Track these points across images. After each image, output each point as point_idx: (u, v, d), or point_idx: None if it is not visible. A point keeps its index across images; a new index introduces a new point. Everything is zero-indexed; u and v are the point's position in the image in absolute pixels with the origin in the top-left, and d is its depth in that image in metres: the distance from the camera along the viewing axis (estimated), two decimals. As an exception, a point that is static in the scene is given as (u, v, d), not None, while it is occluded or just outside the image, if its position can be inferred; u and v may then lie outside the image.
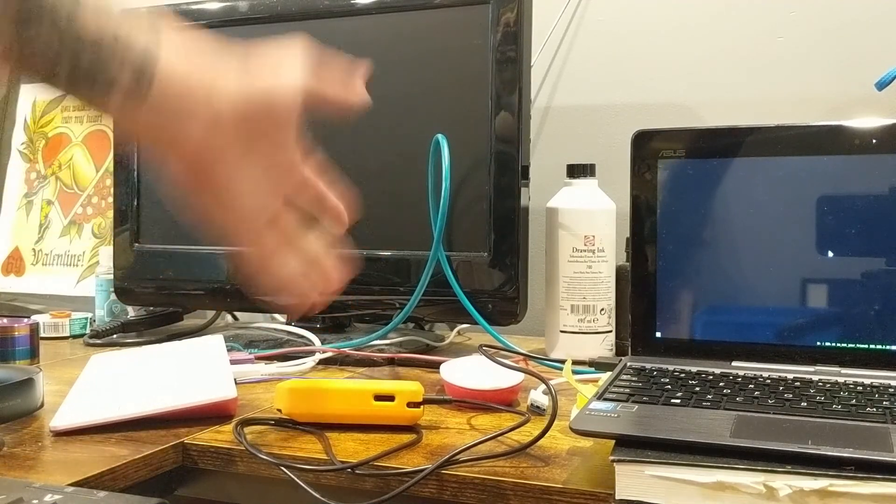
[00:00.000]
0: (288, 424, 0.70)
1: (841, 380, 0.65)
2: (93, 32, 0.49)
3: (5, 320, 1.00)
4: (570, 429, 0.55)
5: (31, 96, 1.49)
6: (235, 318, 1.27)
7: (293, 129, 0.56)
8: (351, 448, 0.65)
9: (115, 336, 1.13)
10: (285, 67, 0.56)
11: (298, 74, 0.56)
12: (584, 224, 0.96)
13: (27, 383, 0.73)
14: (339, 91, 0.58)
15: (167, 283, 1.12)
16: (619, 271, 0.98)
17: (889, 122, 0.69)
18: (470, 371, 0.77)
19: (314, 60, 0.57)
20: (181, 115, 0.52)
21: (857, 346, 0.69)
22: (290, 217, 0.59)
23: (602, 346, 0.97)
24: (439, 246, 0.93)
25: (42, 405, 0.76)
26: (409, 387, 0.69)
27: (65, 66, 0.49)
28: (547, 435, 0.61)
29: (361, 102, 0.60)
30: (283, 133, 0.56)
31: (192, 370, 0.79)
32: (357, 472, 0.61)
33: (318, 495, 0.60)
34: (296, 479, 0.61)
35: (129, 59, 0.50)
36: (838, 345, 0.70)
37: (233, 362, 0.85)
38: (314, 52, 0.57)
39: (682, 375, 0.67)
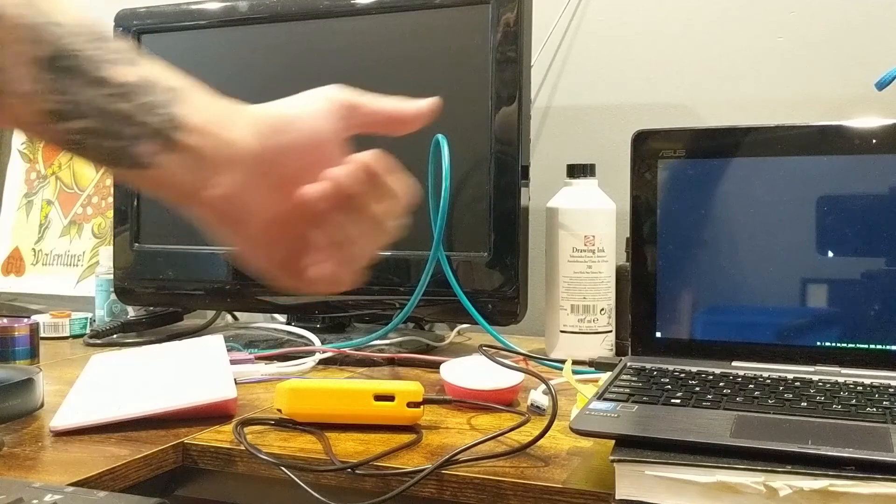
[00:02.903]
0: (288, 424, 0.70)
1: (841, 380, 0.65)
2: (119, 85, 0.48)
3: (5, 320, 1.00)
4: (570, 429, 0.55)
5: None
6: (235, 318, 1.27)
7: (333, 152, 0.53)
8: (351, 448, 0.65)
9: (115, 336, 1.13)
10: (307, 94, 0.53)
11: (325, 92, 0.53)
12: (584, 224, 0.96)
13: (27, 383, 0.73)
14: (385, 102, 0.55)
15: (167, 283, 1.13)
16: (619, 271, 0.98)
17: (889, 122, 0.69)
18: (470, 371, 0.77)
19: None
20: (203, 168, 0.50)
21: (857, 346, 0.69)
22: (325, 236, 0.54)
23: (602, 346, 0.97)
24: (439, 246, 0.93)
25: (42, 405, 0.76)
26: (409, 387, 0.69)
27: (89, 122, 0.48)
28: (547, 435, 0.61)
29: (422, 110, 0.55)
30: (321, 159, 0.52)
31: (192, 370, 0.79)
32: (357, 472, 0.61)
33: (318, 495, 0.60)
34: (296, 479, 0.61)
35: (153, 117, 0.49)
36: (838, 345, 0.70)
37: (233, 362, 0.85)
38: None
39: (682, 375, 0.67)
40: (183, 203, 0.52)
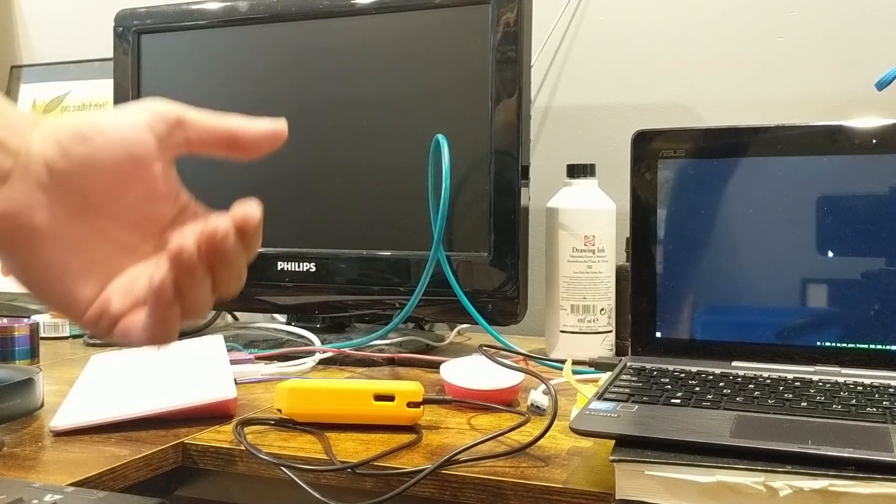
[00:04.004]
0: (288, 424, 0.70)
1: (841, 380, 0.65)
2: None
3: (5, 320, 1.00)
4: (570, 429, 0.55)
5: (31, 96, 1.49)
6: (235, 318, 1.27)
7: (148, 175, 0.45)
8: (351, 448, 0.65)
9: (115, 336, 1.13)
10: (127, 105, 0.45)
11: (146, 105, 0.45)
12: (584, 224, 0.96)
13: (27, 383, 0.73)
14: (221, 119, 0.46)
15: (167, 283, 1.12)
16: (619, 271, 0.98)
17: (889, 122, 0.69)
18: (470, 371, 0.77)
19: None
20: None
21: (857, 346, 0.69)
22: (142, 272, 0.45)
23: (602, 346, 0.97)
24: (439, 246, 0.93)
25: (42, 405, 0.76)
26: (409, 387, 0.69)
27: None
28: (547, 435, 0.61)
29: (267, 133, 0.46)
30: (132, 179, 0.44)
31: (192, 370, 0.79)
32: (357, 472, 0.61)
33: (318, 495, 0.60)
34: (296, 479, 0.61)
35: None
36: (838, 345, 0.70)
37: (233, 362, 0.85)
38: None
39: (682, 375, 0.67)
40: None
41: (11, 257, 0.44)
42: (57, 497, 0.47)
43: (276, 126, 0.46)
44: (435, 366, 0.87)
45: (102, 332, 0.46)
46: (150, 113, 0.45)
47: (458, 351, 1.02)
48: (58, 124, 0.44)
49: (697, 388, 0.63)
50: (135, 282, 0.45)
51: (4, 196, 0.43)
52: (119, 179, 0.44)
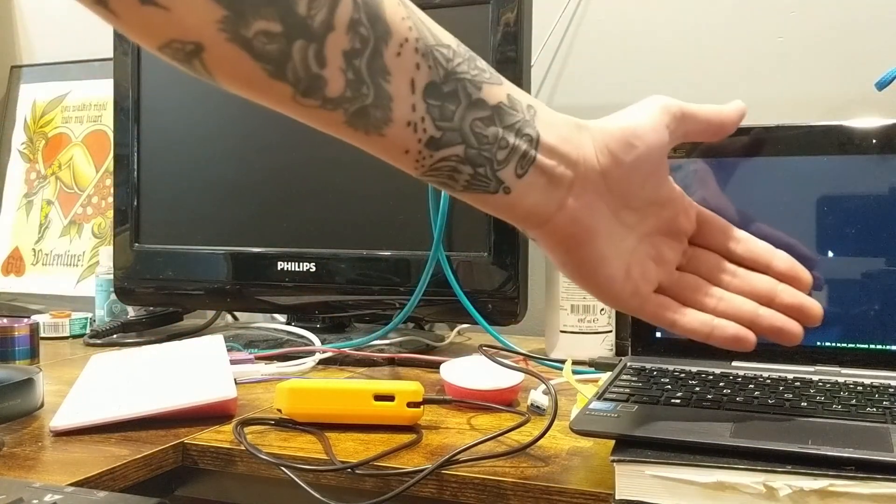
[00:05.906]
0: (288, 424, 0.70)
1: (841, 380, 0.65)
2: (492, 107, 0.47)
3: (5, 320, 1.00)
4: (570, 429, 0.55)
5: (31, 96, 1.49)
6: (235, 318, 1.28)
7: (663, 167, 0.53)
8: (351, 448, 0.65)
9: (115, 336, 1.13)
10: (640, 106, 0.53)
11: (658, 102, 0.53)
12: (584, 224, 0.96)
13: (27, 383, 0.73)
14: (709, 108, 0.55)
15: (167, 283, 1.13)
16: (619, 271, 0.98)
17: (889, 122, 0.69)
18: (470, 371, 0.77)
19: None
20: (556, 189, 0.50)
21: (857, 346, 0.69)
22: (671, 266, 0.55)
23: (602, 346, 0.97)
24: (439, 246, 0.93)
25: (42, 405, 0.76)
26: (409, 387, 0.69)
27: (463, 148, 0.47)
28: (547, 435, 0.61)
29: (740, 114, 0.56)
30: (654, 174, 0.52)
31: (192, 370, 0.79)
32: (357, 472, 0.61)
33: (318, 495, 0.60)
34: (296, 479, 0.61)
35: (518, 139, 0.48)
36: (838, 345, 0.70)
37: (233, 362, 0.85)
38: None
39: (682, 375, 0.67)
40: (532, 227, 0.51)
41: (571, 254, 0.52)
42: (57, 497, 0.47)
43: (742, 108, 0.56)
44: (435, 366, 0.87)
45: (633, 311, 0.54)
46: (665, 112, 0.52)
47: (458, 351, 1.02)
48: (603, 132, 0.51)
49: (697, 388, 0.63)
50: (649, 262, 0.54)
51: (573, 204, 0.50)
52: (648, 176, 0.52)
